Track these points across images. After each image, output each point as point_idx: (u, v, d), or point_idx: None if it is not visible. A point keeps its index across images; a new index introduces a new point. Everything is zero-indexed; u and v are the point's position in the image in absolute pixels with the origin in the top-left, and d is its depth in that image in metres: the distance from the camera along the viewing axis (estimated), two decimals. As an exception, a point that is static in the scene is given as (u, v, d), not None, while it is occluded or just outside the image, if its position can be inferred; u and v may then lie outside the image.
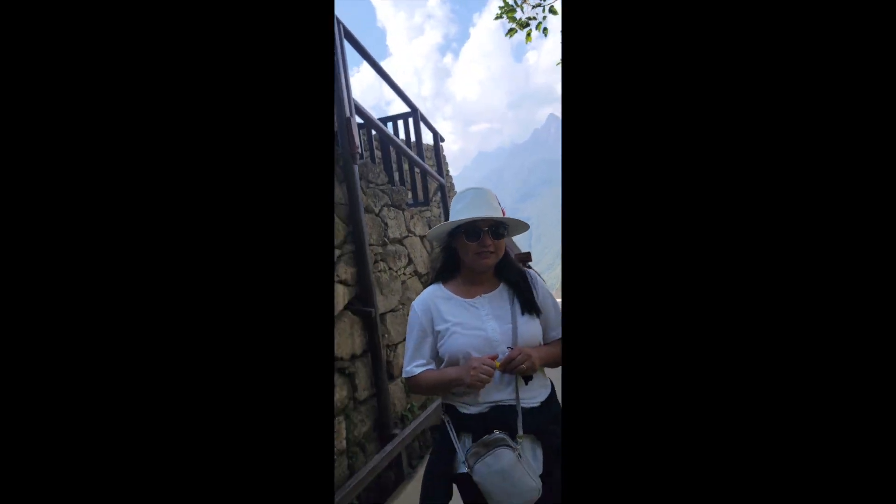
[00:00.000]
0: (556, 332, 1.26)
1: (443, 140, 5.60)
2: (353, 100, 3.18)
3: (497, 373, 1.12)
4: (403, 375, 1.23)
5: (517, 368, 1.09)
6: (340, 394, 2.59)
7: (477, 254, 1.19)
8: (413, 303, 1.26)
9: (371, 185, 3.42)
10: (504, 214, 1.24)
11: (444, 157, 6.04)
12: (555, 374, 1.22)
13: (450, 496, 1.18)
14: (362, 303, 2.87)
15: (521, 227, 1.27)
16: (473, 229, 1.19)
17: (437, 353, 1.21)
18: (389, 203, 3.62)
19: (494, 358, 1.10)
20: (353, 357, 2.74)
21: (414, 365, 1.21)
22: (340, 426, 2.55)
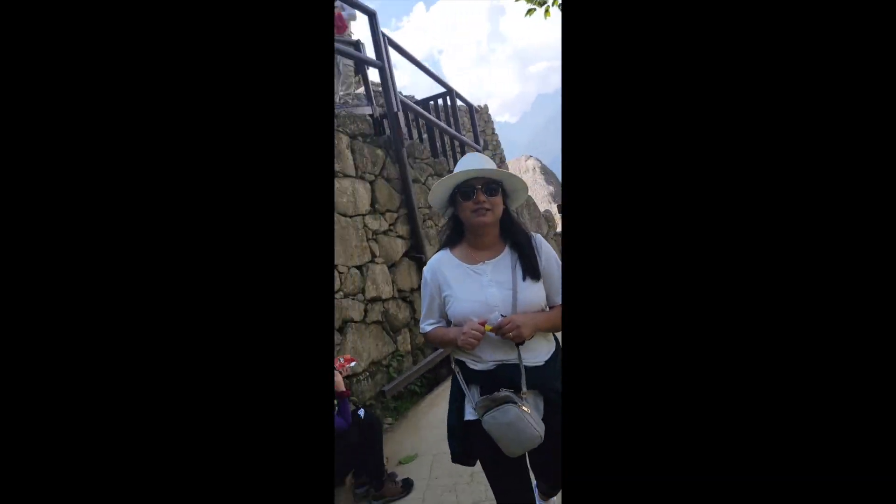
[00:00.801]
0: (556, 300, 1.27)
1: (478, 111, 6.33)
2: (399, 93, 4.05)
3: (498, 336, 1.17)
4: (420, 330, 1.35)
5: (505, 336, 1.15)
6: (405, 315, 3.64)
7: (473, 212, 1.21)
8: (424, 268, 1.32)
9: (417, 161, 4.32)
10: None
11: (478, 125, 6.77)
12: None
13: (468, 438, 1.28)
14: (415, 251, 3.85)
15: (518, 183, 1.29)
16: (467, 188, 1.22)
17: (446, 314, 1.28)
18: (433, 173, 4.51)
19: (483, 323, 1.16)
20: (412, 290, 3.76)
21: (426, 323, 1.31)
22: (406, 336, 3.62)
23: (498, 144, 11.15)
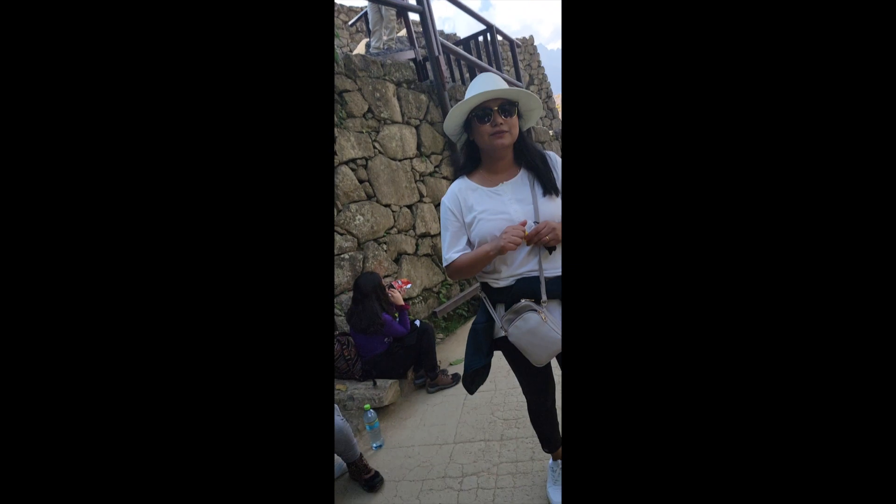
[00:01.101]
0: None
1: (519, 45, 6.25)
2: (440, 33, 4.17)
3: (524, 247, 1.18)
4: (444, 264, 1.29)
5: (543, 240, 1.13)
6: (451, 249, 4.07)
7: (491, 135, 1.19)
8: (443, 198, 1.29)
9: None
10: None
11: (523, 58, 6.69)
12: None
13: (490, 353, 1.30)
14: (460, 190, 4.18)
15: (534, 102, 1.26)
16: (483, 111, 1.19)
17: (469, 240, 1.25)
18: (474, 114, 4.71)
19: (524, 224, 1.16)
20: (457, 226, 4.15)
21: (452, 252, 1.25)
22: (453, 268, 4.06)
23: (544, 78, 10.80)
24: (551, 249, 1.21)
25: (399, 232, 3.61)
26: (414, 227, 3.77)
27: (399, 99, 3.79)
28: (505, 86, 1.21)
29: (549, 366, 1.39)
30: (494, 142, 1.20)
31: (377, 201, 3.44)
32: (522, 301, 1.20)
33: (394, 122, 3.71)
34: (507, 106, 1.20)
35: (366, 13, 5.22)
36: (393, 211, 3.58)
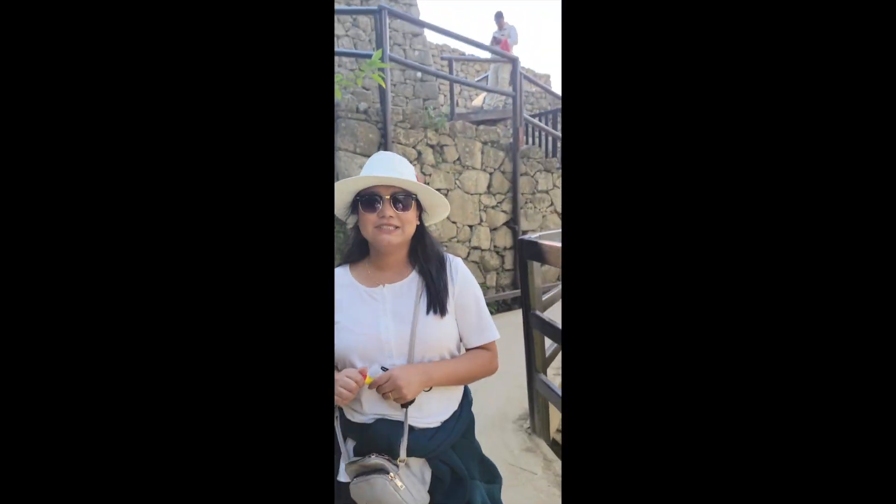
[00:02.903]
0: (476, 339, 1.04)
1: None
2: (522, 111, 5.82)
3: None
4: None
5: (384, 396, 0.93)
6: (496, 262, 5.66)
7: (377, 227, 0.98)
8: None
9: (530, 160, 6.09)
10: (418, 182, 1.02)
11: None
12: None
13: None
14: (513, 222, 5.74)
15: (437, 199, 1.04)
16: (371, 197, 0.98)
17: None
18: (542, 168, 6.22)
19: (363, 372, 0.94)
20: (504, 248, 5.72)
21: None
22: (493, 276, 5.64)
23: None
24: (405, 404, 0.96)
25: (458, 242, 5.32)
26: (469, 241, 5.45)
27: (482, 154, 5.52)
28: (405, 172, 1.02)
29: None
30: (379, 236, 0.99)
31: (449, 219, 5.19)
32: (372, 456, 0.94)
33: (474, 169, 5.44)
34: (402, 197, 1.00)
35: (487, 76, 7.13)
36: (458, 227, 5.30)
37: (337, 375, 0.92)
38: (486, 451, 1.13)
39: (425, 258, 1.04)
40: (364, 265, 1.07)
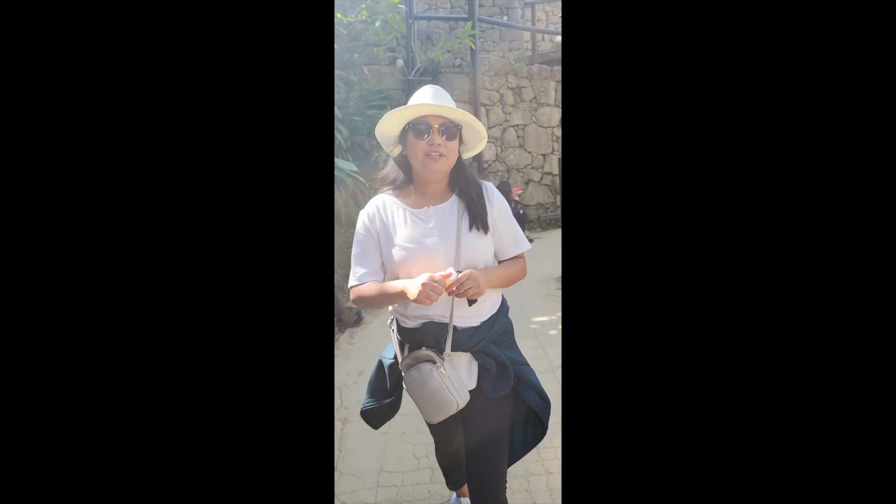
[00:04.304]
0: (513, 250, 1.16)
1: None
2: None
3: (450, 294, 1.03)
4: (349, 284, 1.16)
5: (464, 294, 1.01)
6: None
7: (426, 155, 1.07)
8: (360, 213, 1.17)
9: (601, 95, 6.87)
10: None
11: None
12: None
13: (395, 390, 1.26)
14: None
15: (479, 131, 1.14)
16: (423, 126, 1.06)
17: (383, 263, 1.13)
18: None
19: (447, 277, 1.01)
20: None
21: (359, 272, 1.13)
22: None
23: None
24: (472, 302, 1.08)
25: (532, 168, 6.49)
26: (542, 167, 6.58)
27: (555, 92, 6.47)
28: (452, 104, 1.10)
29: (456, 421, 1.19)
30: (428, 163, 1.07)
31: (523, 148, 6.34)
32: (423, 349, 1.08)
33: (548, 105, 6.43)
34: (450, 127, 1.08)
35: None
36: (532, 156, 6.44)
37: (420, 281, 0.99)
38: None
39: (466, 183, 1.13)
40: (409, 191, 1.16)
